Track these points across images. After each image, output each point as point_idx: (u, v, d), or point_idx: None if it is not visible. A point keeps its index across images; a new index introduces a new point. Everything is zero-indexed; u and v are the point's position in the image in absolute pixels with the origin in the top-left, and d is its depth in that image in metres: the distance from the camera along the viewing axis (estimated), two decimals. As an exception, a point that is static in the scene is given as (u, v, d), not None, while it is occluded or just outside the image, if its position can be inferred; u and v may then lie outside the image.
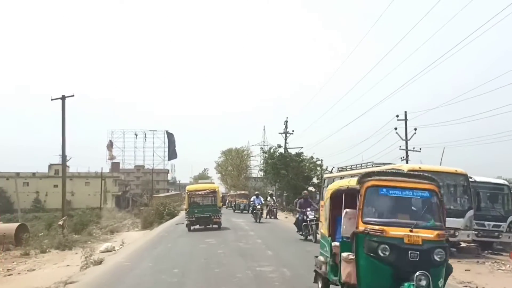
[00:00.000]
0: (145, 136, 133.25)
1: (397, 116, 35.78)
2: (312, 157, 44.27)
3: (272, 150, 48.70)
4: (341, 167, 22.63)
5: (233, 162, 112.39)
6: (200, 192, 23.83)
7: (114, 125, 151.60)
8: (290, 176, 42.27)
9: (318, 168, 44.35)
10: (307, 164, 44.28)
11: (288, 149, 48.09)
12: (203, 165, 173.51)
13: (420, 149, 35.34)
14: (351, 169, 21.03)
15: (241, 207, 43.15)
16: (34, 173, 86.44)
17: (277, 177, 43.54)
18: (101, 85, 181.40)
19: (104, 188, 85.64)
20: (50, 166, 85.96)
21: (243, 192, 48.68)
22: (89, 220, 41.31)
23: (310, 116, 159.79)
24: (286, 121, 49.40)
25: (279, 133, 49.66)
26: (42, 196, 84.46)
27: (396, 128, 35.67)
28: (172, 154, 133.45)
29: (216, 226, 23.08)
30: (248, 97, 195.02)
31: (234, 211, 45.56)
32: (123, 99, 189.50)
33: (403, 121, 35.73)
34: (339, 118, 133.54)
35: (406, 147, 35.32)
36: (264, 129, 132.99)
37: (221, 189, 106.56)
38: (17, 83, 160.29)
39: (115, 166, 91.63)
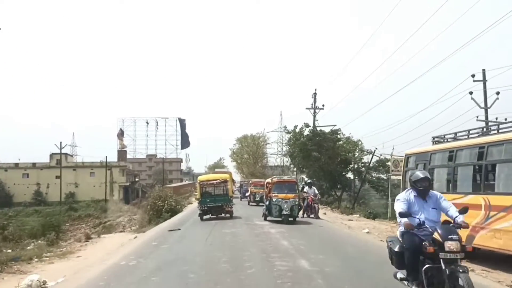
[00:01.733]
0: (157, 124, 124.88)
1: (473, 76, 25.77)
2: (350, 136, 34.74)
3: (297, 130, 39.14)
4: (438, 137, 12.99)
5: (249, 150, 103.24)
6: (211, 182, 23.57)
7: (124, 113, 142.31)
8: (324, 160, 32.57)
9: (357, 151, 34.81)
10: (344, 145, 34.65)
11: (318, 128, 38.35)
12: (218, 154, 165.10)
13: (506, 119, 25.27)
14: (467, 136, 11.48)
15: (256, 199, 35.32)
16: (34, 164, 77.91)
17: (306, 161, 33.72)
18: (110, 71, 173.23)
19: (110, 179, 77.15)
20: (52, 155, 77.35)
21: (258, 180, 38.98)
22: (63, 220, 32.06)
23: (340, 89, 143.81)
24: (315, 94, 39.64)
25: (306, 108, 39.93)
26: (43, 188, 76.04)
27: (471, 93, 25.67)
28: (185, 142, 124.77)
29: (228, 215, 22.66)
30: (264, 81, 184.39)
31: (249, 204, 37.32)
32: (134, 85, 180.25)
33: (481, 83, 25.76)
34: (381, 88, 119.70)
35: (486, 117, 25.33)
36: (281, 114, 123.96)
37: (237, 178, 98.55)
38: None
39: (122, 154, 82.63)
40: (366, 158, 35.95)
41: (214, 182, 23.58)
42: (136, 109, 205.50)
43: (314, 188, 23.27)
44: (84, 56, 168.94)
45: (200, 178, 25.87)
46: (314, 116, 39.38)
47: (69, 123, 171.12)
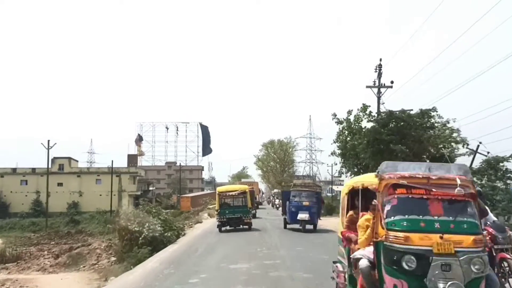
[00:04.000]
0: (177, 129, 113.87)
1: None
2: (448, 122, 21.89)
3: (353, 116, 26.67)
4: None
5: (276, 156, 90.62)
6: (230, 193, 22.93)
7: (142, 118, 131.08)
8: (409, 157, 19.48)
9: (453, 144, 21.96)
10: (439, 134, 21.76)
11: (382, 113, 25.68)
12: (242, 162, 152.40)
13: None
14: None
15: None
16: (33, 169, 66.80)
17: (377, 159, 20.33)
18: (128, 74, 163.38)
19: (119, 187, 65.39)
20: (54, 160, 66.07)
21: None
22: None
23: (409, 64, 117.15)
24: (379, 66, 26.75)
25: (367, 86, 27.08)
26: (44, 196, 64.59)
27: None
28: (206, 148, 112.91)
29: (246, 227, 22.16)
30: (291, 84, 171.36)
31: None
32: (153, 88, 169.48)
33: None
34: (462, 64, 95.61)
35: None
36: (310, 119, 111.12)
37: (262, 187, 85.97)
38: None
39: (132, 159, 71.00)
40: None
41: (233, 193, 22.88)
42: (155, 113, 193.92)
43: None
44: (100, 59, 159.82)
45: (219, 189, 24.73)
46: (379, 98, 26.56)
47: (86, 130, 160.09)
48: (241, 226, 21.92)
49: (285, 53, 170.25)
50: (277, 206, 42.23)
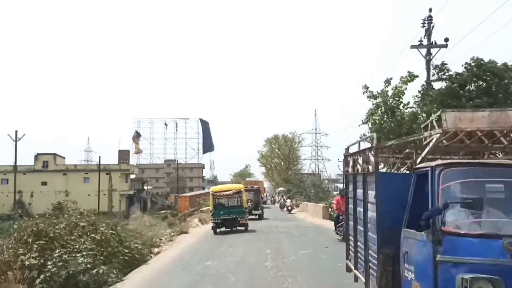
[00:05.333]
0: (176, 126, 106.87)
1: None
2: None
3: (395, 89, 19.65)
4: None
5: (281, 152, 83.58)
6: (225, 193, 21.25)
7: (140, 114, 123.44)
8: None
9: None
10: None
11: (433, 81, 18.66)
12: (245, 161, 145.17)
13: None
14: None
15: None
16: (15, 166, 59.40)
17: None
18: (126, 70, 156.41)
19: (109, 186, 58.34)
20: (37, 156, 59.17)
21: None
22: None
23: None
24: (429, 18, 19.64)
25: (412, 46, 20.02)
26: (26, 196, 57.74)
27: None
28: (207, 145, 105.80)
29: (242, 228, 20.38)
30: (295, 76, 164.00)
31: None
32: (151, 83, 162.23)
33: None
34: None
35: None
36: (315, 114, 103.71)
37: (265, 185, 78.97)
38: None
39: (123, 155, 63.71)
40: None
41: (228, 193, 21.19)
42: (153, 109, 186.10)
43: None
44: (96, 54, 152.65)
45: (212, 188, 22.99)
46: (429, 62, 19.46)
47: (82, 127, 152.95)
48: (236, 228, 20.34)
49: (289, 45, 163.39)
50: (289, 208, 33.90)
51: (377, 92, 20.75)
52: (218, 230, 19.90)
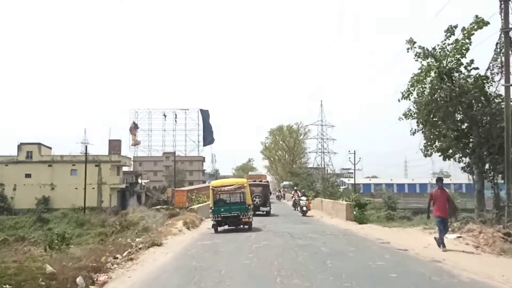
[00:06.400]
0: (176, 117, 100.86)
1: None
2: None
3: (455, 44, 13.62)
4: None
5: (285, 144, 77.78)
6: (226, 188, 18.92)
7: (138, 104, 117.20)
8: None
9: None
10: None
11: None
12: (248, 154, 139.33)
13: None
14: None
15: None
16: (-5, 157, 54.21)
17: None
18: (123, 60, 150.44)
19: (99, 179, 52.69)
20: (20, 146, 53.49)
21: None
22: None
23: None
24: None
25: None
26: (9, 190, 52.11)
27: None
28: (208, 137, 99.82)
29: (246, 226, 18.24)
30: (300, 65, 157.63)
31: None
32: (150, 73, 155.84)
33: None
34: None
35: None
36: (321, 105, 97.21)
37: (268, 179, 73.53)
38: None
39: (114, 145, 57.64)
40: None
41: (230, 188, 18.86)
42: (152, 100, 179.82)
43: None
44: (94, 43, 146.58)
45: (213, 183, 20.52)
46: (506, 2, 13.58)
47: (78, 120, 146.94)
48: (241, 226, 18.44)
49: (292, 34, 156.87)
50: (304, 209, 26.30)
51: (427, 49, 14.84)
52: (219, 228, 18.02)
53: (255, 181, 28.34)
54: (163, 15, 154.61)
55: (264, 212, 27.09)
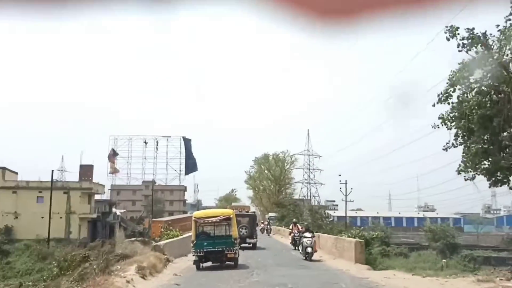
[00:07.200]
0: (157, 145, 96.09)
1: None
2: None
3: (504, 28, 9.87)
4: None
5: (271, 174, 73.65)
6: (210, 220, 17.07)
7: (118, 131, 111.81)
8: None
9: None
10: None
11: None
12: (231, 185, 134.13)
13: None
14: None
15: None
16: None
17: None
18: (104, 88, 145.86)
19: (67, 207, 47.60)
20: (-19, 170, 48.25)
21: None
22: None
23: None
24: None
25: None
26: (-34, 219, 46.52)
27: None
28: (190, 166, 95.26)
29: (232, 263, 16.38)
30: (285, 99, 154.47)
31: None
32: (130, 98, 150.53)
33: None
34: None
35: None
36: (308, 134, 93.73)
37: (253, 209, 68.92)
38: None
39: (86, 171, 52.74)
40: None
41: (214, 219, 16.96)
42: (132, 127, 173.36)
43: None
44: (75, 66, 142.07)
45: (196, 214, 19.10)
46: None
47: (55, 144, 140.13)
48: (225, 263, 16.25)
49: (279, 61, 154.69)
50: (308, 251, 19.60)
51: (475, 33, 11.11)
52: (201, 265, 16.37)
53: (241, 211, 26.80)
54: (146, 40, 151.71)
55: (251, 245, 25.72)
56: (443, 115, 12.14)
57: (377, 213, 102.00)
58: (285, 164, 73.71)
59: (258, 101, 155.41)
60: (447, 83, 12.21)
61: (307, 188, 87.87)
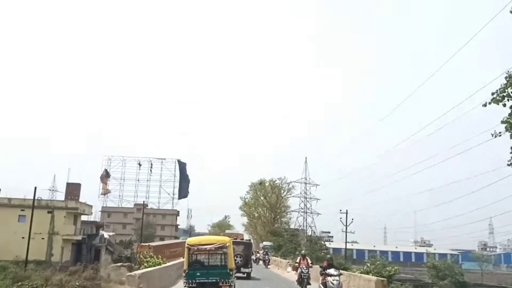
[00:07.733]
0: (151, 167, 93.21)
1: None
2: None
3: None
4: None
5: (267, 201, 70.82)
6: (205, 247, 15.30)
7: (111, 151, 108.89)
8: None
9: None
10: None
11: None
12: (225, 211, 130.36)
13: None
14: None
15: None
16: None
17: None
18: (99, 109, 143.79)
19: (50, 228, 44.47)
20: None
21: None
22: None
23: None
24: None
25: None
26: None
27: None
28: (183, 190, 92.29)
29: None
30: (282, 127, 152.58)
31: None
32: (125, 118, 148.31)
33: None
34: None
35: None
36: (306, 162, 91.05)
37: (247, 237, 65.49)
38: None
39: (72, 190, 49.70)
40: None
41: (209, 247, 15.21)
42: (126, 148, 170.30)
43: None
44: (70, 84, 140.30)
45: (189, 240, 16.37)
46: None
47: (48, 163, 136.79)
48: None
49: (277, 83, 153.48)
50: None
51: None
52: None
53: (235, 238, 26.11)
54: (144, 62, 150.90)
55: (245, 274, 25.45)
56: (508, 118, 9.80)
57: (374, 246, 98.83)
58: (282, 191, 70.88)
59: (256, 127, 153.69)
60: (506, 80, 9.91)
61: (303, 218, 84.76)
